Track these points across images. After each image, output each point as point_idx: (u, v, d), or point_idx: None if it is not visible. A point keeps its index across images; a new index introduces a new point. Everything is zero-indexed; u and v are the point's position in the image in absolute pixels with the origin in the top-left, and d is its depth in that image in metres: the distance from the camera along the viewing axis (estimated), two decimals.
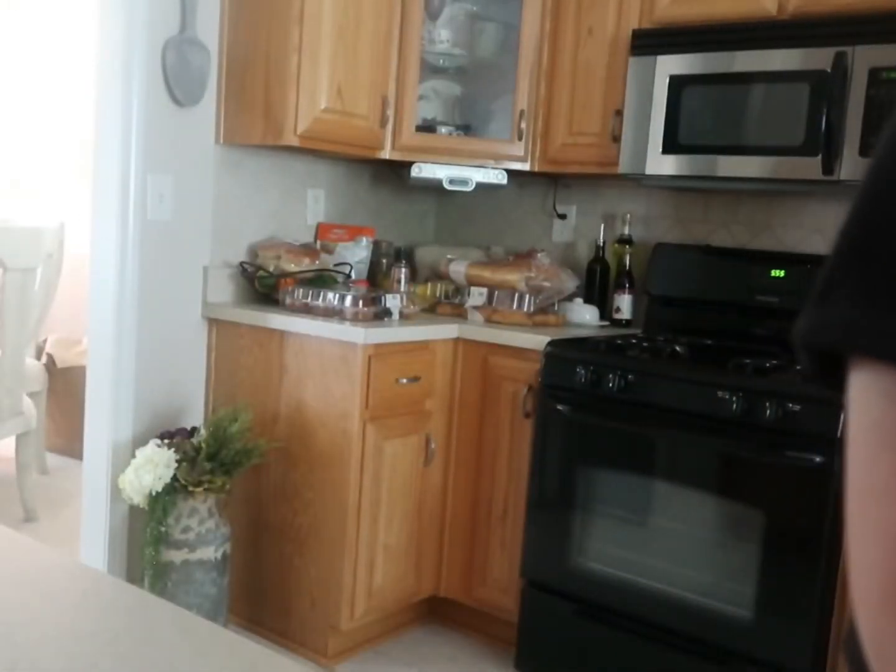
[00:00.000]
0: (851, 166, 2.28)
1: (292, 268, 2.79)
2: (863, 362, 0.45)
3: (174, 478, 2.39)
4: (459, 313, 2.90)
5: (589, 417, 2.44)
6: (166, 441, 2.47)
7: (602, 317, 2.97)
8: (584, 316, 2.94)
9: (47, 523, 3.59)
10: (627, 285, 2.97)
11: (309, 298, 2.66)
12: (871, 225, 0.46)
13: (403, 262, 3.05)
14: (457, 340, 2.74)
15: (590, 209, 3.19)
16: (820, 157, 2.32)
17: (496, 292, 2.84)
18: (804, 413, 2.10)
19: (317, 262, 2.86)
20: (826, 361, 0.49)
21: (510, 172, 2.97)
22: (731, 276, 2.77)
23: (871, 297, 0.45)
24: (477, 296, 2.87)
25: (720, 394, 2.21)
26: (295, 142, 2.62)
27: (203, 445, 2.44)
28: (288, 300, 2.71)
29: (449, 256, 3.07)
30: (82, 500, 2.74)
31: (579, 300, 2.98)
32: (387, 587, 2.68)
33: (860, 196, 0.48)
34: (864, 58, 2.25)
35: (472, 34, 3.08)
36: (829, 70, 2.30)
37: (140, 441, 2.59)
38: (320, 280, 2.80)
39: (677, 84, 2.55)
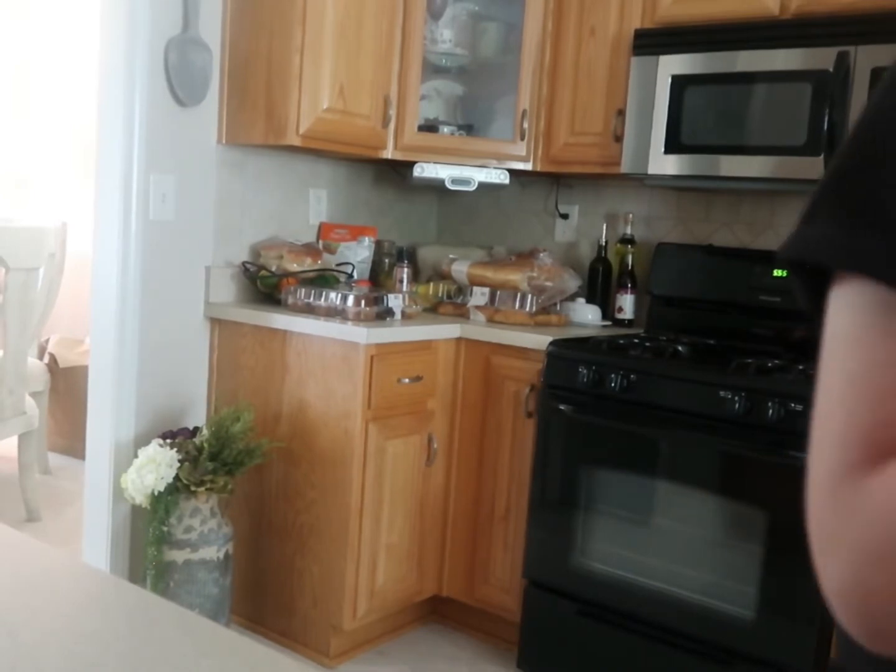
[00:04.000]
0: None
1: (294, 268, 2.79)
2: (840, 277, 0.49)
3: (176, 477, 2.39)
4: (461, 313, 2.90)
5: (591, 417, 2.44)
6: (168, 441, 2.47)
7: (604, 317, 2.97)
8: (587, 316, 2.94)
9: (49, 523, 3.59)
10: (629, 285, 2.97)
11: (311, 298, 2.66)
12: (855, 155, 0.50)
13: (405, 261, 3.05)
14: (459, 340, 2.74)
15: (592, 209, 3.18)
16: (822, 156, 2.32)
17: (498, 292, 2.84)
18: (807, 413, 2.09)
19: (319, 261, 2.86)
20: (815, 285, 0.52)
21: (512, 172, 2.97)
22: (734, 275, 2.77)
23: (850, 216, 0.48)
24: (479, 295, 2.87)
25: (722, 393, 2.21)
26: (297, 141, 2.62)
27: (205, 445, 2.44)
28: (290, 300, 2.71)
29: (451, 256, 3.07)
30: (84, 500, 2.74)
31: (581, 300, 2.97)
32: (389, 587, 2.68)
33: (850, 133, 0.52)
34: (867, 57, 2.25)
35: (474, 34, 3.07)
36: (831, 70, 2.30)
37: (142, 441, 2.59)
38: (322, 280, 2.80)
39: (679, 84, 2.55)
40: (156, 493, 2.39)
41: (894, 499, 0.45)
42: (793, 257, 0.51)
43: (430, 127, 2.99)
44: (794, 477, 2.26)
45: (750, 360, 2.29)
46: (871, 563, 0.46)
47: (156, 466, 2.37)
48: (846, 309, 0.48)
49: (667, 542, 2.33)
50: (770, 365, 2.27)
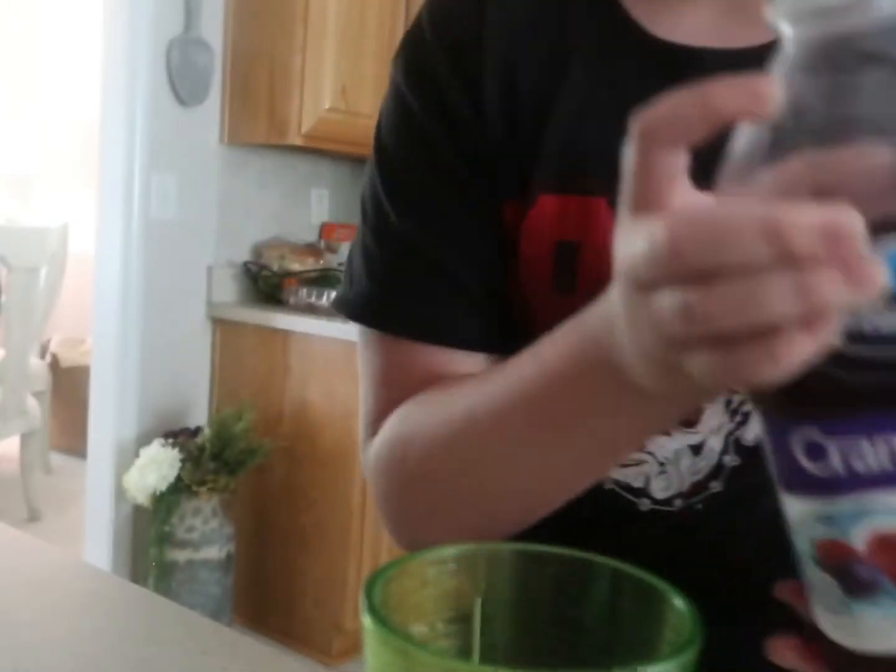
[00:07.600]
0: None
1: (296, 267, 2.79)
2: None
3: (178, 477, 2.39)
4: None
5: None
6: (170, 440, 2.47)
7: None
8: None
9: (51, 523, 3.59)
10: None
11: (313, 298, 2.66)
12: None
13: None
14: None
15: None
16: None
17: None
18: None
19: (321, 261, 2.86)
20: None
21: None
22: None
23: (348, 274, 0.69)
24: None
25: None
26: (299, 141, 2.62)
27: (207, 445, 2.44)
28: (292, 300, 2.71)
29: None
30: (86, 500, 2.74)
31: None
32: None
33: None
34: None
35: None
36: None
37: (144, 441, 2.59)
38: (324, 280, 2.80)
39: None
40: (158, 493, 2.39)
41: (372, 459, 0.65)
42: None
43: None
44: None
45: None
46: (377, 503, 0.66)
47: (158, 466, 2.37)
48: (360, 335, 0.69)
49: None
50: None
